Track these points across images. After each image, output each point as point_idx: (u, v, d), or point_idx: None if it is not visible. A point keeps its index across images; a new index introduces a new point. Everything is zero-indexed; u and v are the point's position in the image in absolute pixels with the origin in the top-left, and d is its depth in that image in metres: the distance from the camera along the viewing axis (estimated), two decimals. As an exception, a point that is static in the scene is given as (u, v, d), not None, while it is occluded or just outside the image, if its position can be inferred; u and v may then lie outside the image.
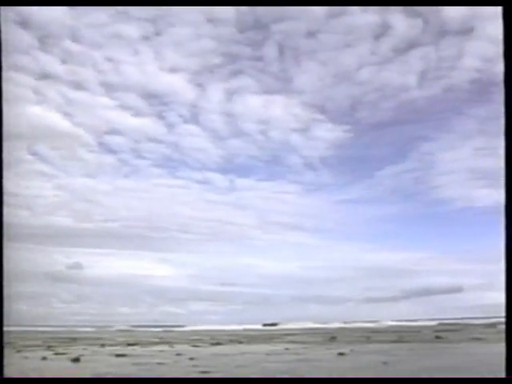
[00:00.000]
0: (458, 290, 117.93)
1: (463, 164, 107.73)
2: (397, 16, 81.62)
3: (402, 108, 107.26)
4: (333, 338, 44.94)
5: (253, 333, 71.25)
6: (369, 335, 50.86)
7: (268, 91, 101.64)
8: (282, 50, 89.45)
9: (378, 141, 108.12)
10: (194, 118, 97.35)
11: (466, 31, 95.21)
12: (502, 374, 3.53)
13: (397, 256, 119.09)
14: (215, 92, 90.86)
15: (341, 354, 25.23)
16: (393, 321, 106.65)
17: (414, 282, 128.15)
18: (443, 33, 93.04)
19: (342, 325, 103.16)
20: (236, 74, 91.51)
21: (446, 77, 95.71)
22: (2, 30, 3.61)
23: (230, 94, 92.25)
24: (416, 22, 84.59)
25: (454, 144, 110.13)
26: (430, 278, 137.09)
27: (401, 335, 48.12)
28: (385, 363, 20.06)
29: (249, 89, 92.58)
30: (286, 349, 30.72)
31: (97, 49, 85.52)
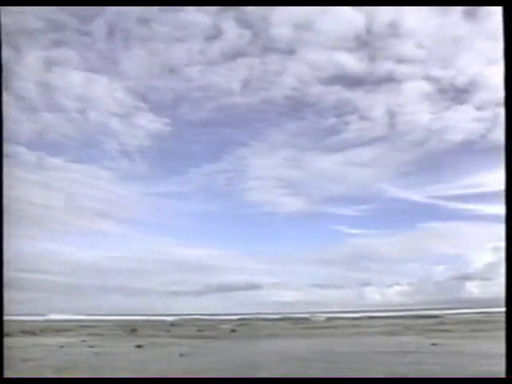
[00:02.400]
0: (256, 287, 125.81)
1: (272, 172, 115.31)
2: (229, 23, 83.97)
3: (223, 111, 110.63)
4: (133, 331, 44.39)
5: (56, 324, 66.97)
6: (169, 328, 51.36)
7: (91, 69, 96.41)
8: (111, 30, 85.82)
9: (196, 138, 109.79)
10: (4, 82, 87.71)
11: (289, 52, 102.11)
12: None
13: (202, 252, 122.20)
14: (33, 59, 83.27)
15: (139, 346, 25.03)
16: (195, 314, 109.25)
17: (217, 278, 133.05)
18: (269, 49, 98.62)
19: (145, 317, 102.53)
20: (59, 44, 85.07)
21: (266, 89, 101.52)
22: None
23: (49, 65, 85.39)
24: (246, 32, 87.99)
25: (265, 152, 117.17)
26: (232, 275, 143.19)
27: (200, 328, 49.51)
28: (182, 355, 20.41)
29: (71, 63, 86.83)
30: (83, 341, 29.48)
31: None
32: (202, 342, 29.08)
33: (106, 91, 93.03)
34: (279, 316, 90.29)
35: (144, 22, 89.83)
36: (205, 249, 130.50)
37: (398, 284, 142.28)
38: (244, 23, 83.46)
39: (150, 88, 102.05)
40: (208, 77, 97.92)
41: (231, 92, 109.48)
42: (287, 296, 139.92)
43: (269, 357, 19.07)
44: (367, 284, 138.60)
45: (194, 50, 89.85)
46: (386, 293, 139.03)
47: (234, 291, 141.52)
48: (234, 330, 43.92)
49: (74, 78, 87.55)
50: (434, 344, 23.71)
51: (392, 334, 35.22)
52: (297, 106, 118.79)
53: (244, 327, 52.40)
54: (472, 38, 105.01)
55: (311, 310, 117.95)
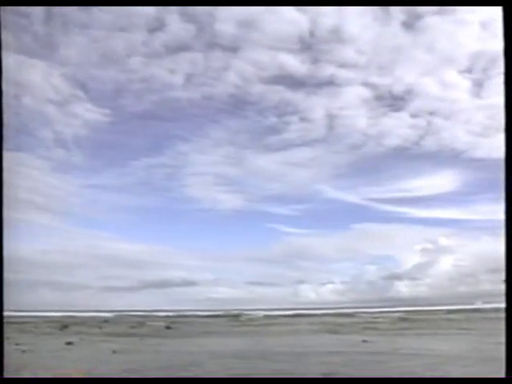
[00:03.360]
0: (193, 284, 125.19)
1: (212, 169, 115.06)
2: (173, 16, 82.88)
3: (164, 104, 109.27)
4: (64, 327, 43.12)
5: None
6: (103, 325, 50.23)
7: (28, 53, 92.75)
8: (50, 13, 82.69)
9: (136, 131, 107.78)
10: None
11: (233, 49, 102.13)
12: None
13: (138, 247, 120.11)
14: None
15: (69, 343, 24.37)
16: (129, 311, 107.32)
17: (153, 273, 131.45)
18: (213, 45, 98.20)
19: (77, 313, 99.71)
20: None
21: (209, 85, 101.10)
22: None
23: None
24: (190, 27, 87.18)
25: (206, 148, 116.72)
26: (168, 271, 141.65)
27: (134, 325, 48.76)
28: (114, 352, 20.08)
29: (5, 45, 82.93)
30: (8, 338, 28.29)
31: None
32: (136, 340, 28.65)
33: (43, 77, 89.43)
34: (215, 313, 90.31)
35: (85, 7, 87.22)
36: (141, 244, 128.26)
37: (331, 283, 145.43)
38: (188, 17, 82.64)
39: (89, 77, 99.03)
40: (150, 69, 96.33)
41: (173, 86, 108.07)
42: (223, 293, 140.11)
43: (203, 355, 19.05)
44: (302, 282, 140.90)
45: (136, 40, 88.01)
46: (321, 291, 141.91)
47: (169, 287, 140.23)
48: (168, 327, 43.50)
49: (9, 61, 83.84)
50: (364, 341, 24.50)
51: (325, 331, 36.08)
52: (239, 104, 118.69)
53: (179, 324, 52.03)
54: (410, 48, 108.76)
55: (247, 307, 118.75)
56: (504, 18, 2.87)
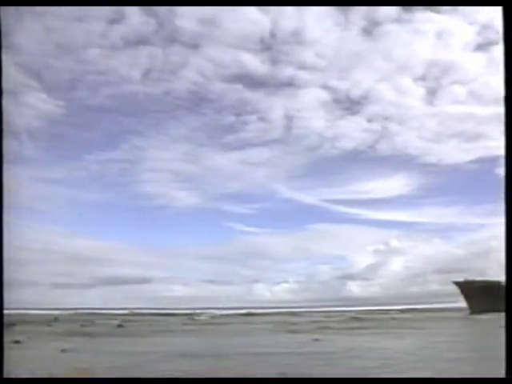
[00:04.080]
0: (146, 281, 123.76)
1: (168, 165, 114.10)
2: (133, 9, 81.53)
3: (122, 98, 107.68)
4: (12, 325, 41.71)
5: None
6: (52, 323, 48.97)
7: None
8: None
9: (92, 124, 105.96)
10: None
11: (193, 46, 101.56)
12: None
13: (91, 243, 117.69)
14: None
15: (16, 342, 23.58)
16: (80, 308, 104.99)
17: (105, 270, 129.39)
18: (173, 40, 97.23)
19: (26, 311, 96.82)
20: None
21: (168, 81, 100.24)
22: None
23: None
24: (150, 21, 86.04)
25: (163, 145, 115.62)
26: (121, 268, 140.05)
27: (85, 323, 47.73)
28: (63, 351, 19.57)
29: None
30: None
31: None
32: (87, 339, 28.03)
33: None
34: (169, 311, 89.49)
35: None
36: (94, 240, 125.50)
37: (286, 282, 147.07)
38: (149, 11, 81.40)
39: (44, 66, 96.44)
40: (108, 61, 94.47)
41: (131, 80, 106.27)
42: (177, 291, 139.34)
43: (153, 355, 18.76)
44: (257, 281, 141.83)
45: (94, 31, 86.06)
46: (275, 290, 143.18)
47: (123, 284, 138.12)
48: (120, 326, 42.80)
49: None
50: (316, 340, 24.74)
51: (279, 330, 36.28)
52: (198, 101, 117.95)
53: (132, 323, 51.30)
54: (368, 54, 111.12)
55: (202, 305, 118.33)
56: (504, 18, 2.85)
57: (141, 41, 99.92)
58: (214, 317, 74.32)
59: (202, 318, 71.23)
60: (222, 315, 79.84)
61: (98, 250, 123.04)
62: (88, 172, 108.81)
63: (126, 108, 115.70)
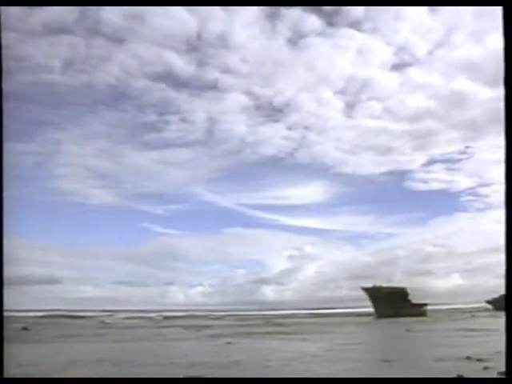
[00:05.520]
0: (55, 281, 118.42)
1: (85, 161, 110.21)
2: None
3: (39, 88, 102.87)
4: None
5: None
6: None
7: None
8: None
9: (4, 113, 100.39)
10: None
11: (117, 40, 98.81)
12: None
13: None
14: None
15: None
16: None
17: (10, 269, 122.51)
18: (96, 32, 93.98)
19: None
20: None
21: (89, 73, 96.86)
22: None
23: None
24: (73, 9, 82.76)
25: (80, 139, 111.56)
26: (28, 267, 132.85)
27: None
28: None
29: None
30: None
31: None
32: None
33: None
34: (78, 314, 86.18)
35: None
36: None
37: (200, 285, 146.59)
38: (71, -3, 78.58)
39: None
40: (25, 48, 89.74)
41: (50, 69, 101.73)
42: (88, 292, 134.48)
43: (54, 363, 17.96)
44: (171, 283, 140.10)
45: (11, 15, 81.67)
46: (189, 293, 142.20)
47: (29, 285, 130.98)
48: (25, 328, 40.60)
49: None
50: (228, 343, 24.83)
51: (191, 335, 36.14)
52: (119, 97, 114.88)
53: (37, 326, 48.96)
54: (291, 63, 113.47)
55: (113, 307, 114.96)
56: (504, 18, 2.94)
57: (62, 29, 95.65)
58: (123, 320, 72.44)
59: (112, 320, 69.26)
60: (134, 318, 78.01)
61: (4, 248, 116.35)
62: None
63: (43, 98, 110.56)
